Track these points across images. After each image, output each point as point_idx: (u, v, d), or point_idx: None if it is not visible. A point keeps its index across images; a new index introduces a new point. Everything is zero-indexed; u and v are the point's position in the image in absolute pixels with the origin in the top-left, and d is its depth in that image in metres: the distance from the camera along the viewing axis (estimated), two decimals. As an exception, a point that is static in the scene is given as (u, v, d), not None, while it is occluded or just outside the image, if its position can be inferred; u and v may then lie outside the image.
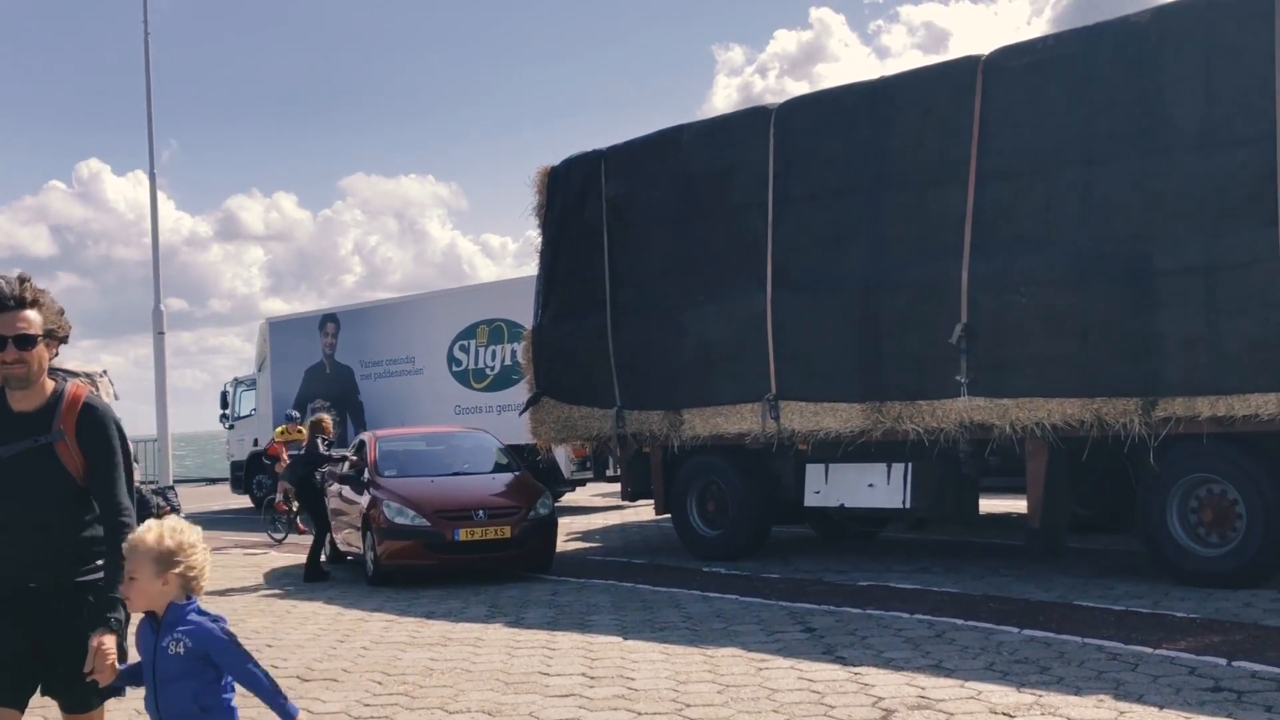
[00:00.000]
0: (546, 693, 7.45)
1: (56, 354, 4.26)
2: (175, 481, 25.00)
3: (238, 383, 27.55)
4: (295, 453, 17.96)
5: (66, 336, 4.22)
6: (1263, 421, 9.23)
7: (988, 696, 6.79)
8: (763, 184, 12.50)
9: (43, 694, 4.23)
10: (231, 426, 27.30)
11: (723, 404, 12.79)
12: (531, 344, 14.95)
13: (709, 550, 13.48)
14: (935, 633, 8.65)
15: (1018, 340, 10.50)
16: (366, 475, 13.57)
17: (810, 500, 12.69)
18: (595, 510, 20.84)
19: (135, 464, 4.62)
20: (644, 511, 17.88)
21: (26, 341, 4.02)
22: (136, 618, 3.91)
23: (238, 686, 3.79)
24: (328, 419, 14.78)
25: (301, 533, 17.78)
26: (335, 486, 14.17)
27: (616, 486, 17.19)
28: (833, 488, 12.44)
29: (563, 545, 13.56)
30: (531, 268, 15.67)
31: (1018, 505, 13.13)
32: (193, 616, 3.74)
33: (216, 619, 3.79)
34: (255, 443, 26.12)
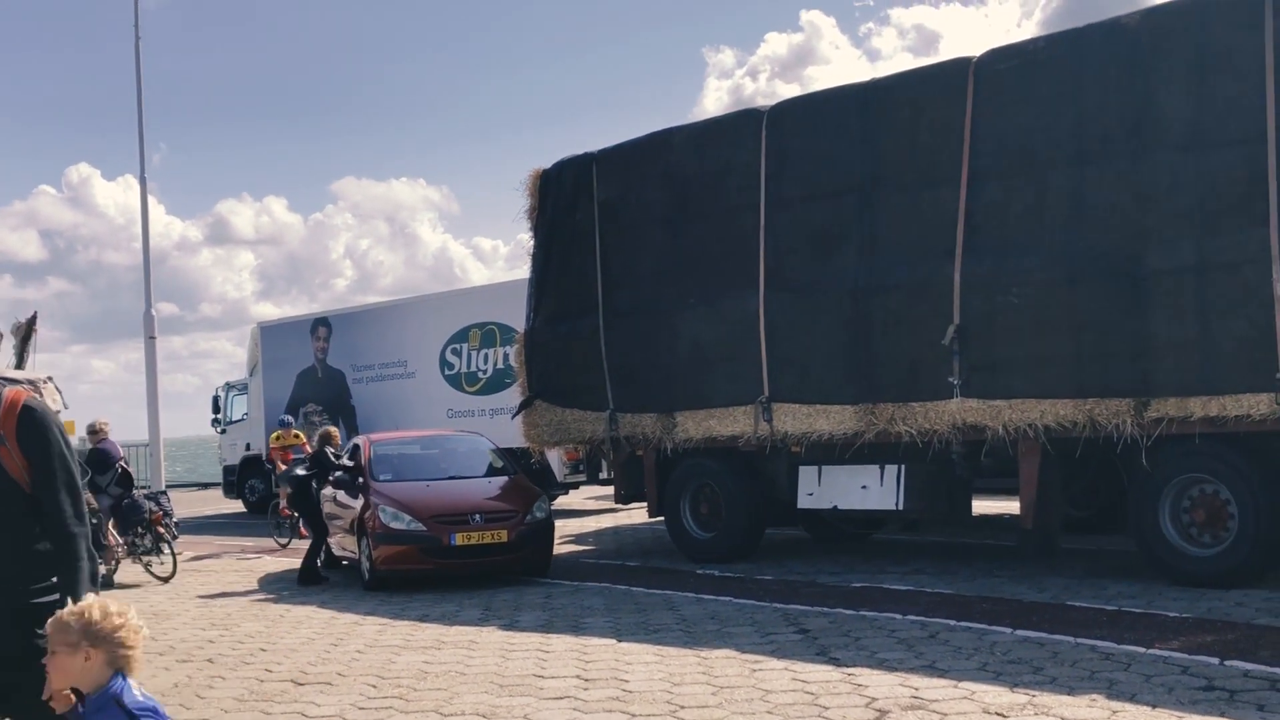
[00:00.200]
0: (541, 695, 7.45)
1: None
2: (167, 486, 24.98)
3: (229, 387, 27.49)
4: (298, 456, 17.96)
5: None
6: (1254, 421, 9.25)
7: (981, 697, 6.81)
8: (755, 186, 12.51)
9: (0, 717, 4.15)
10: (224, 431, 27.25)
11: (716, 406, 12.80)
12: (524, 347, 14.95)
13: (703, 552, 13.48)
14: (929, 633, 8.66)
15: (1010, 341, 10.52)
16: (361, 480, 13.53)
17: (803, 502, 12.69)
18: (589, 513, 20.83)
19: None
20: (637, 514, 17.89)
21: None
22: None
23: None
24: (335, 431, 14.71)
25: (304, 537, 17.75)
26: (329, 491, 14.11)
27: (610, 489, 17.18)
28: (826, 490, 12.45)
29: (556, 548, 13.55)
30: (523, 271, 15.70)
31: (1011, 506, 13.17)
32: (111, 711, 3.33)
33: (143, 711, 3.36)
34: (248, 447, 26.09)
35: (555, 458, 18.99)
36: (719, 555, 13.28)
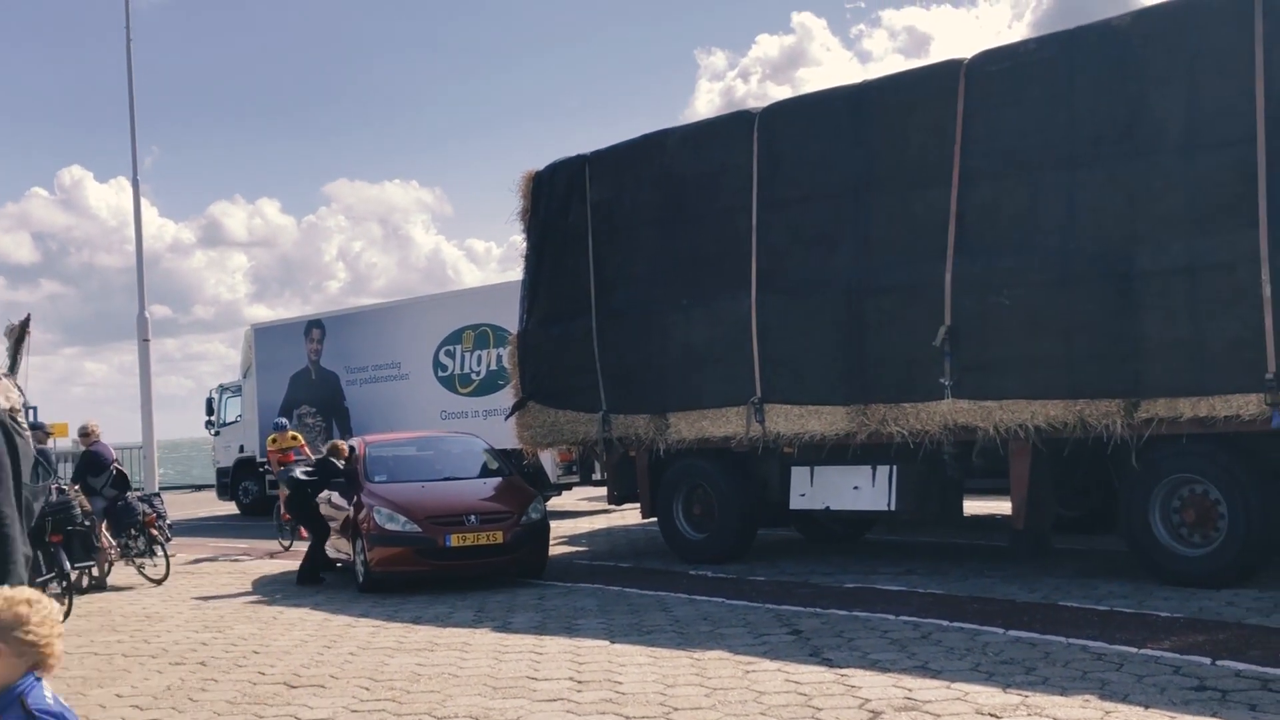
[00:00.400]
0: (534, 697, 7.46)
1: None
2: (161, 488, 24.93)
3: (223, 389, 27.48)
4: (298, 457, 17.94)
5: None
6: (1244, 422, 9.28)
7: (974, 697, 6.83)
8: (747, 187, 12.53)
9: None
10: (217, 433, 27.23)
11: (708, 407, 12.82)
12: (517, 349, 14.95)
13: (695, 553, 13.49)
14: (921, 634, 8.68)
15: (1001, 342, 10.54)
16: (356, 481, 13.50)
17: (796, 503, 12.71)
18: (582, 514, 20.83)
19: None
20: (630, 515, 17.90)
21: None
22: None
23: None
24: (344, 446, 14.64)
25: (305, 539, 17.74)
26: (324, 493, 14.08)
27: (603, 490, 17.21)
28: (818, 490, 12.48)
29: (550, 549, 13.55)
30: (516, 272, 15.68)
31: (1002, 507, 13.20)
32: (14, 712, 3.11)
33: (45, 714, 3.14)
34: (241, 449, 26.07)
35: (548, 459, 18.99)
36: (712, 556, 13.30)
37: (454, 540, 12.33)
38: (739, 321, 12.48)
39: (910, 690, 7.07)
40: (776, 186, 12.35)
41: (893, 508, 11.87)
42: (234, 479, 26.23)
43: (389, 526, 12.49)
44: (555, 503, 22.12)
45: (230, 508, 26.69)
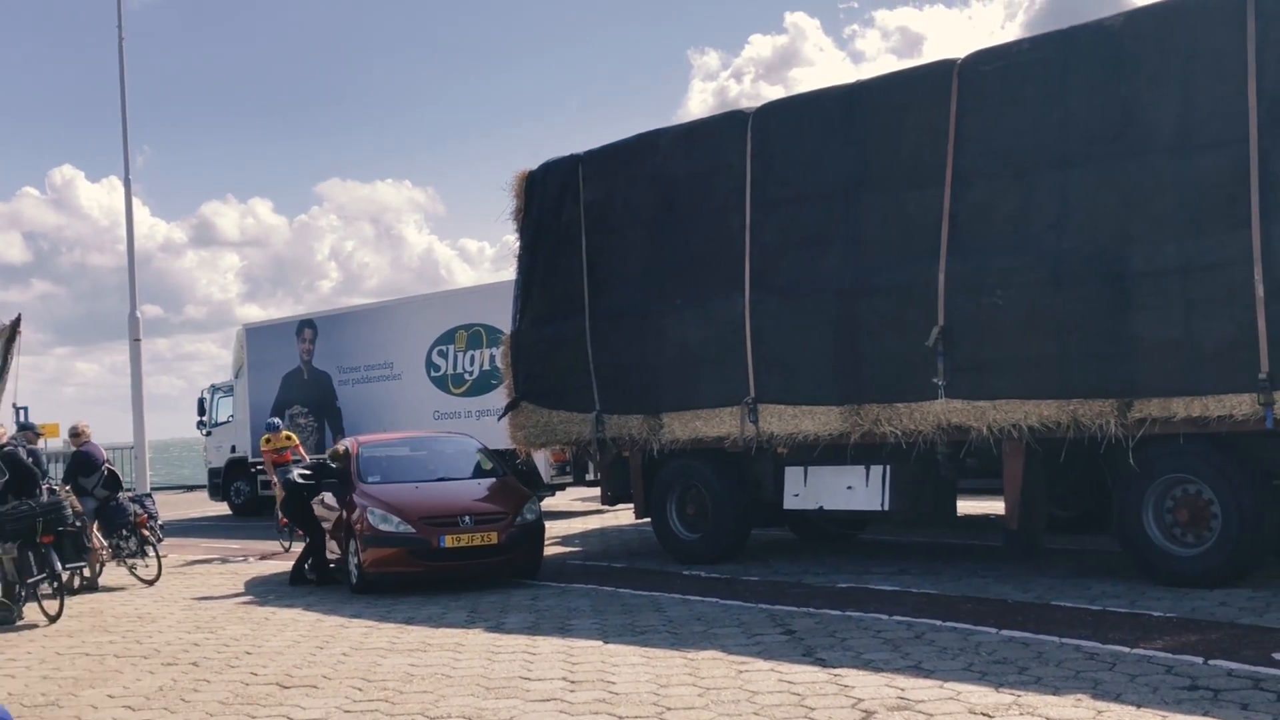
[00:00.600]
0: (527, 697, 7.45)
1: None
2: (153, 488, 24.89)
3: (215, 389, 27.43)
4: (295, 458, 17.90)
5: None
6: (1237, 422, 9.29)
7: (967, 697, 6.83)
8: (740, 187, 12.53)
9: None
10: (209, 433, 27.19)
11: (702, 408, 12.81)
12: (510, 349, 14.93)
13: (689, 554, 13.49)
14: (914, 634, 8.69)
15: (994, 342, 10.55)
16: (349, 481, 13.45)
17: (789, 503, 12.71)
18: (575, 515, 20.82)
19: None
20: (624, 515, 17.90)
21: None
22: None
23: None
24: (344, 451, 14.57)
25: (301, 539, 17.69)
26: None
27: (596, 491, 17.21)
28: (811, 490, 12.47)
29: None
30: (509, 272, 15.67)
31: (995, 506, 13.20)
32: None
33: None
34: (233, 449, 26.04)
35: (542, 459, 18.98)
36: (705, 556, 13.30)
37: (448, 541, 12.28)
38: (732, 321, 12.48)
39: (903, 690, 7.07)
40: (770, 186, 12.35)
41: (886, 508, 11.87)
42: (226, 479, 26.19)
43: (382, 527, 12.44)
44: (549, 503, 22.09)
45: (222, 508, 26.65)
